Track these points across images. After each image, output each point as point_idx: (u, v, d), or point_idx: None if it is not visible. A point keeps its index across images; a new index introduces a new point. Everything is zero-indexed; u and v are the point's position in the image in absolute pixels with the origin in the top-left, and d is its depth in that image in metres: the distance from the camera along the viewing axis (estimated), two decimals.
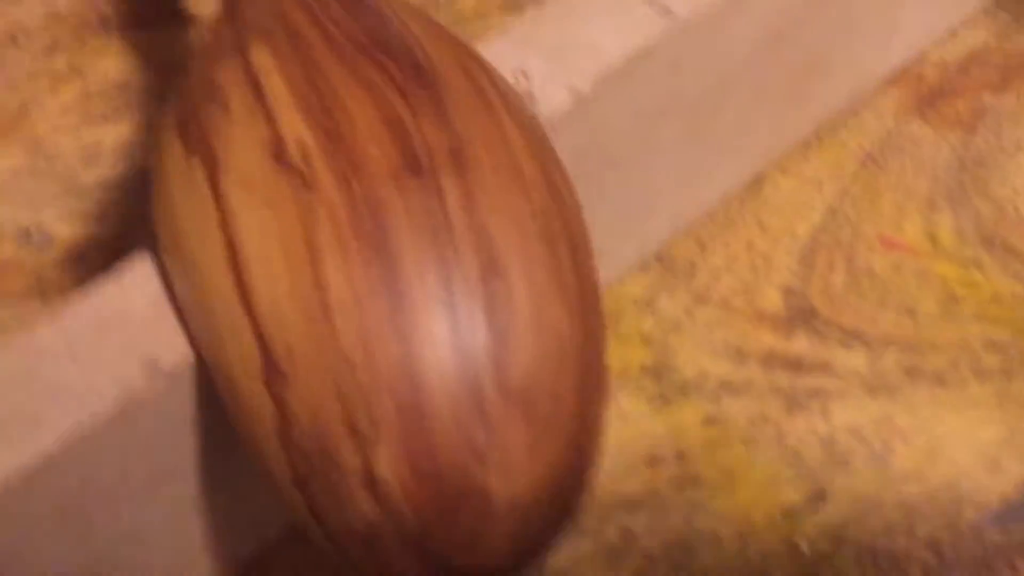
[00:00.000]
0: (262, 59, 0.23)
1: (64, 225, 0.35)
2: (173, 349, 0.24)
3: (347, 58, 0.23)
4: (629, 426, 0.32)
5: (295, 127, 0.22)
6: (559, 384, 0.22)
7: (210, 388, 0.24)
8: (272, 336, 0.22)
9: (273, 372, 0.22)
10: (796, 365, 0.32)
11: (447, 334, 0.22)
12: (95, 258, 0.34)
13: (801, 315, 0.33)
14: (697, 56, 0.29)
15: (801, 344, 0.33)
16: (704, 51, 0.29)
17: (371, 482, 0.21)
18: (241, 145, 0.23)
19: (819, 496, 0.30)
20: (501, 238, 0.22)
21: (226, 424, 0.26)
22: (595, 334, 0.23)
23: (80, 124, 0.36)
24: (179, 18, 0.38)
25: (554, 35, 0.28)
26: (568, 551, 0.30)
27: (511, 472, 0.22)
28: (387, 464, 0.21)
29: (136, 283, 0.25)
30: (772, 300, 0.34)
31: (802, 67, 0.33)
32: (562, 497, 0.23)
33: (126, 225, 0.34)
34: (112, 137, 0.36)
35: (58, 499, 0.24)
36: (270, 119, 0.23)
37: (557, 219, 0.23)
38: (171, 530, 0.27)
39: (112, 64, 0.37)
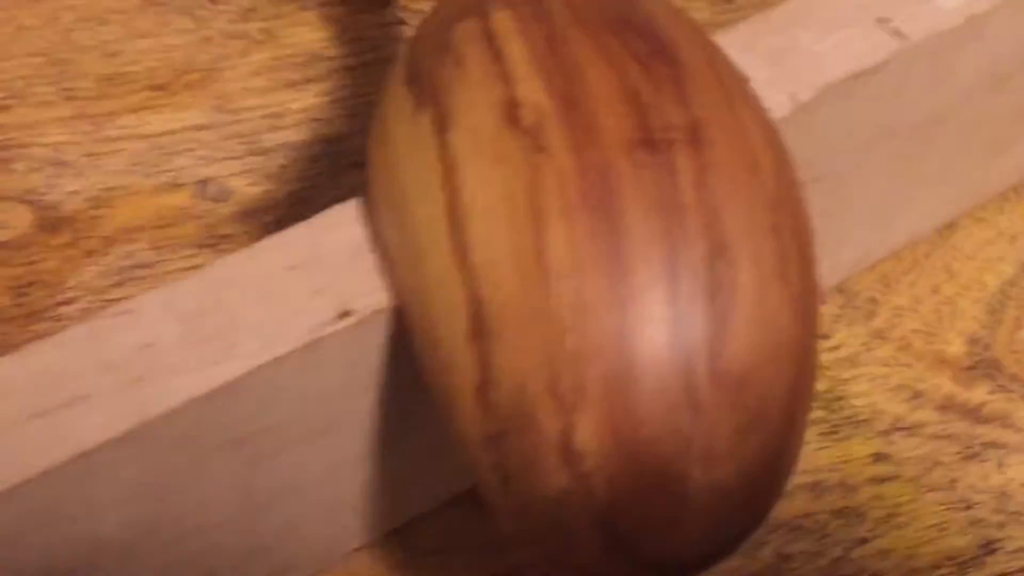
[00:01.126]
0: (503, 22, 0.23)
1: (241, 181, 0.34)
2: (366, 296, 0.23)
3: (591, 30, 0.23)
4: None
5: (532, 90, 0.22)
6: (772, 378, 0.21)
7: (400, 340, 0.24)
8: (484, 293, 0.21)
9: (480, 329, 0.21)
10: (975, 415, 0.31)
11: (666, 312, 0.21)
12: (268, 216, 0.34)
13: (984, 366, 0.32)
14: (919, 84, 0.28)
15: (981, 395, 0.32)
16: (927, 80, 0.28)
17: (567, 449, 0.21)
18: (473, 103, 0.22)
19: (988, 548, 0.29)
20: (731, 223, 0.21)
21: (408, 380, 0.25)
22: (811, 333, 0.22)
23: (268, 88, 0.36)
24: None
25: (780, 42, 0.27)
26: (718, 568, 0.29)
27: (713, 460, 0.21)
28: (586, 433, 0.21)
29: (337, 229, 0.24)
30: (955, 347, 0.32)
31: (1018, 114, 0.32)
32: (759, 494, 0.22)
33: (303, 187, 0.34)
34: (298, 104, 0.36)
35: (232, 430, 0.23)
36: (507, 80, 0.22)
37: (788, 213, 0.22)
38: (329, 482, 0.26)
39: (305, 34, 0.37)
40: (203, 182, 0.34)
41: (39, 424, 0.22)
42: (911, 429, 0.31)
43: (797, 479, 0.31)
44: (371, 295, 0.23)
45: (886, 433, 0.31)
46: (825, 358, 0.32)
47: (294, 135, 0.35)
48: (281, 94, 0.36)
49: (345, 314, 0.23)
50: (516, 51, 0.22)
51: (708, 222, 0.21)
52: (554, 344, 0.21)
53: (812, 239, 0.23)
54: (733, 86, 0.23)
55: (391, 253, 0.23)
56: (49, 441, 0.22)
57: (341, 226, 0.24)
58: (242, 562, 0.27)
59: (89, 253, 0.33)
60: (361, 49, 0.37)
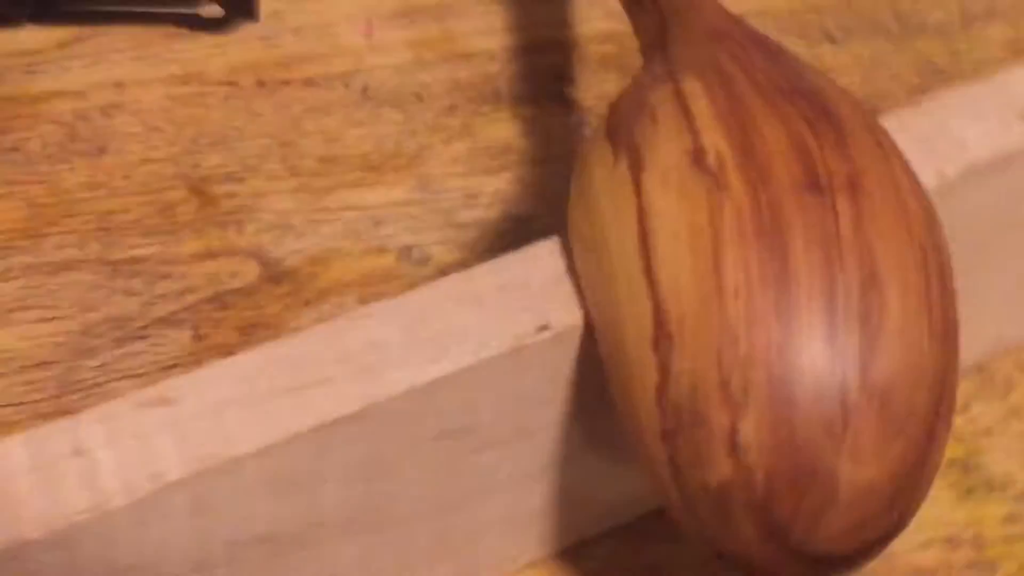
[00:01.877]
0: (691, 86, 0.27)
1: (441, 249, 0.39)
2: (564, 314, 0.27)
3: (765, 94, 0.27)
4: (931, 507, 0.33)
5: (715, 140, 0.26)
6: (914, 395, 0.25)
7: (590, 357, 0.28)
8: (668, 306, 0.25)
9: (663, 336, 0.25)
10: None
11: (824, 328, 0.24)
12: None
13: None
14: None
15: None
16: None
17: (733, 442, 0.24)
18: (665, 150, 0.26)
19: None
20: (883, 258, 0.25)
21: (595, 398, 0.29)
22: (949, 363, 0.26)
23: (466, 173, 0.41)
24: (561, 99, 0.43)
25: (929, 126, 0.31)
26: None
27: (861, 460, 0.24)
28: (751, 428, 0.24)
29: (540, 258, 0.28)
30: None
31: None
32: (900, 498, 0.25)
33: (493, 256, 0.38)
34: (491, 187, 0.41)
35: (442, 423, 0.27)
36: (694, 131, 0.26)
37: (932, 255, 0.26)
38: (514, 490, 0.30)
39: (500, 129, 0.42)
40: (407, 248, 0.39)
41: (287, 399, 0.26)
42: None
43: (933, 533, 0.33)
44: (567, 313, 0.27)
45: (1019, 497, 0.34)
46: (963, 429, 0.35)
47: (486, 213, 0.40)
48: (477, 178, 0.41)
49: (544, 328, 0.27)
50: (702, 109, 0.27)
51: (862, 256, 0.25)
52: (727, 350, 0.25)
53: (953, 281, 0.26)
54: (887, 145, 0.27)
55: (587, 275, 0.27)
56: (295, 413, 0.26)
57: (544, 257, 0.28)
58: (425, 561, 0.31)
59: (306, 302, 0.38)
60: (547, 143, 0.42)
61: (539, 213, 0.40)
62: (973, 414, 0.36)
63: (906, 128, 0.30)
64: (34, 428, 0.26)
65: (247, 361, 0.27)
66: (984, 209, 0.31)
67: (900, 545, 0.33)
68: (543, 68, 0.44)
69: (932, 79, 0.43)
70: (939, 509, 0.34)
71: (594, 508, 0.33)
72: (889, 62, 0.44)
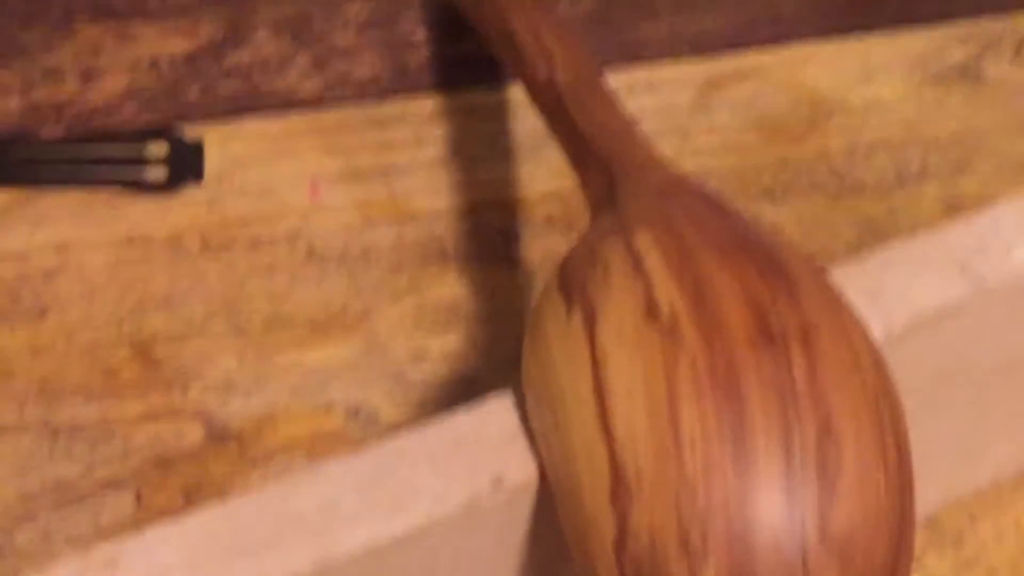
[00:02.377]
0: (643, 240, 0.28)
1: (389, 408, 0.39)
2: (519, 470, 0.27)
3: (716, 247, 0.27)
4: None
5: (668, 293, 0.26)
6: (873, 542, 0.25)
7: (545, 512, 0.27)
8: (625, 459, 0.25)
9: (621, 490, 0.25)
10: None
11: (781, 480, 0.24)
12: None
13: None
14: (997, 328, 0.32)
15: None
16: (1004, 324, 0.32)
17: None
18: (618, 303, 0.27)
19: None
20: (837, 407, 0.25)
21: (551, 553, 0.28)
22: (907, 507, 0.26)
23: (413, 331, 0.41)
24: (507, 258, 0.43)
25: (872, 283, 0.31)
26: None
27: None
28: None
29: (493, 414, 0.28)
30: None
31: None
32: None
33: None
34: (439, 346, 0.41)
35: None
36: (647, 285, 0.27)
37: (885, 405, 0.26)
38: None
39: (446, 288, 0.42)
40: (355, 408, 0.39)
41: (238, 563, 0.25)
42: None
43: None
44: (522, 468, 0.27)
45: None
46: None
47: (434, 372, 0.40)
48: (424, 337, 0.41)
49: (499, 483, 0.27)
50: (654, 262, 0.27)
51: (818, 406, 0.25)
52: (685, 504, 0.24)
53: (906, 430, 0.26)
54: (837, 298, 0.27)
55: (542, 429, 0.27)
56: None
57: (497, 412, 0.28)
58: None
59: (253, 463, 0.37)
60: (494, 302, 0.42)
61: (486, 372, 0.40)
62: (926, 565, 0.35)
63: (851, 282, 0.31)
64: None
65: (195, 523, 0.26)
66: (929, 361, 0.32)
67: None
68: (489, 227, 0.44)
69: (870, 236, 0.44)
70: None
71: None
72: (827, 220, 0.45)
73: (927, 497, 0.36)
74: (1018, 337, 0.33)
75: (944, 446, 0.35)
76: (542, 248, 0.44)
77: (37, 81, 0.48)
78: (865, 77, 0.50)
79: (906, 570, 0.26)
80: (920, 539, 0.36)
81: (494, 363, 0.40)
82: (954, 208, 0.45)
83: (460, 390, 0.39)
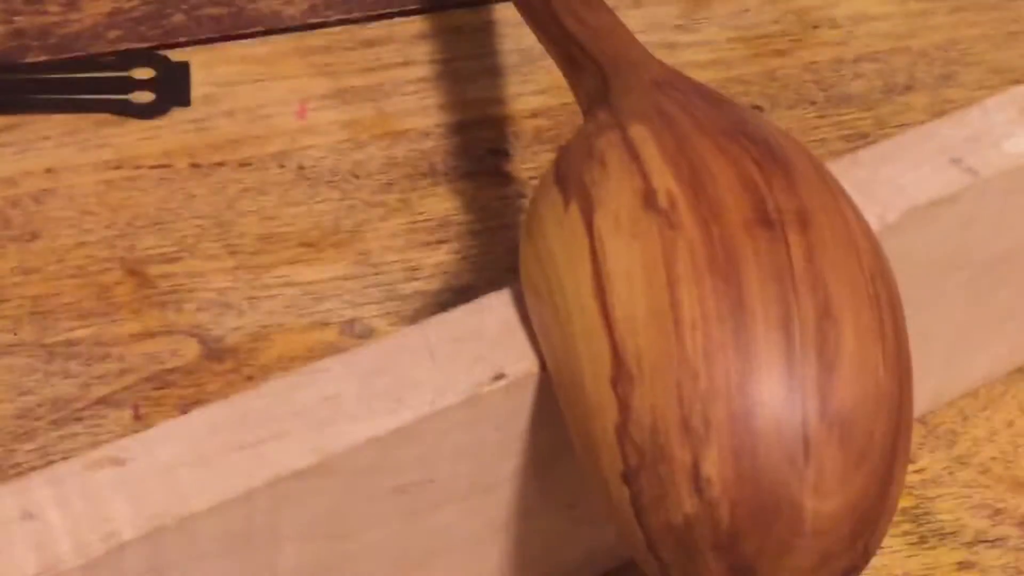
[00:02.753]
0: (638, 131, 0.28)
1: (383, 322, 0.39)
2: (519, 363, 0.27)
3: (712, 136, 0.27)
4: (886, 558, 0.33)
5: (665, 181, 0.26)
6: (873, 422, 0.25)
7: (545, 405, 0.28)
8: (625, 344, 0.25)
9: (622, 374, 0.25)
10: None
11: (782, 360, 0.25)
12: None
13: None
14: (989, 219, 0.32)
15: None
16: (996, 216, 0.33)
17: (696, 477, 0.24)
18: (615, 193, 0.27)
19: None
20: (835, 289, 0.25)
21: (551, 450, 0.29)
22: (905, 389, 0.26)
23: (405, 247, 0.41)
24: (496, 173, 0.43)
25: (867, 175, 0.31)
26: None
27: (824, 491, 0.24)
28: (713, 463, 0.24)
29: (492, 309, 0.28)
30: None
31: None
32: (866, 529, 0.25)
33: None
34: (431, 260, 0.41)
35: (399, 477, 0.27)
36: (643, 174, 0.27)
37: (883, 287, 0.26)
38: (475, 548, 0.30)
39: (437, 204, 0.42)
40: (349, 322, 0.39)
41: (241, 455, 0.26)
42: (993, 542, 0.34)
43: None
44: (522, 361, 0.27)
45: (970, 544, 0.34)
46: (911, 479, 0.35)
47: (427, 285, 0.40)
48: (416, 252, 0.41)
49: (499, 376, 0.27)
50: (650, 152, 0.27)
51: (815, 288, 0.25)
52: (686, 386, 0.24)
53: (903, 313, 0.26)
54: (833, 184, 0.27)
55: (542, 321, 0.27)
56: (249, 469, 0.25)
57: (496, 307, 0.28)
58: None
59: (249, 378, 0.37)
60: (485, 216, 0.42)
61: (479, 283, 0.40)
62: (920, 465, 0.36)
63: (845, 176, 0.31)
64: None
65: (198, 419, 0.26)
66: (923, 253, 0.32)
67: None
68: (477, 143, 0.44)
69: (858, 145, 0.44)
70: (894, 559, 0.34)
71: (554, 567, 0.32)
72: (816, 131, 0.45)
73: (920, 397, 0.36)
74: (1010, 229, 0.33)
75: (937, 344, 0.35)
76: (531, 163, 0.44)
77: (20, 7, 0.48)
78: None
79: (905, 450, 0.26)
80: (913, 438, 0.36)
81: (486, 276, 0.40)
82: (941, 114, 0.45)
83: (453, 302, 0.39)
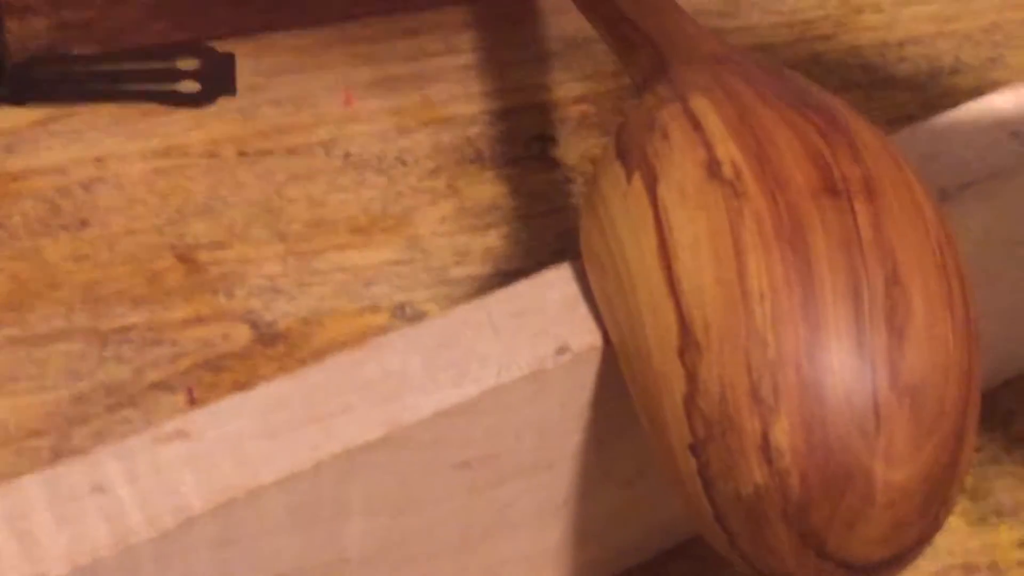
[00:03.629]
0: (700, 103, 0.28)
1: (433, 306, 0.39)
2: (583, 336, 0.27)
3: (774, 106, 0.27)
4: (945, 536, 0.33)
5: (729, 151, 0.26)
6: (943, 391, 0.25)
7: (610, 380, 0.28)
8: (692, 314, 0.25)
9: (689, 345, 0.25)
10: None
11: (851, 328, 0.24)
12: None
13: None
14: None
15: None
16: None
17: (766, 447, 0.24)
18: (679, 164, 0.27)
19: None
20: (903, 257, 0.25)
21: (616, 426, 0.29)
22: (974, 362, 0.26)
23: (454, 232, 0.41)
24: (543, 158, 0.43)
25: (927, 148, 0.31)
26: None
27: (895, 460, 0.24)
28: (783, 432, 0.24)
29: (554, 283, 0.28)
30: None
31: None
32: (935, 499, 0.25)
33: None
34: (480, 245, 0.41)
35: (464, 451, 0.27)
36: (707, 144, 0.27)
37: (950, 256, 0.26)
38: (537, 524, 0.30)
39: (485, 189, 0.42)
40: (400, 306, 0.39)
41: (308, 428, 0.26)
42: None
43: (949, 560, 0.33)
44: (586, 335, 0.27)
45: None
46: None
47: (478, 270, 0.40)
48: (465, 237, 0.41)
49: (563, 350, 0.27)
50: (713, 123, 0.27)
51: (884, 256, 0.25)
52: (754, 355, 0.24)
53: (970, 282, 0.26)
54: (898, 154, 0.27)
55: (605, 294, 0.27)
56: (316, 442, 0.25)
57: (557, 282, 0.28)
58: None
59: (302, 363, 0.37)
60: (532, 201, 0.42)
61: (528, 267, 0.39)
62: (978, 445, 0.36)
63: (905, 146, 0.31)
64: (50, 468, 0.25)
65: (265, 393, 0.26)
66: (982, 229, 0.32)
67: (917, 574, 0.32)
68: (522, 130, 0.44)
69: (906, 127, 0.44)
70: (953, 537, 0.34)
71: (613, 546, 0.32)
72: (863, 113, 0.45)
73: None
74: None
75: (995, 322, 0.35)
76: (577, 149, 0.44)
77: (64, 1, 0.48)
78: None
79: (975, 419, 0.26)
80: None
81: (535, 260, 0.40)
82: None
83: (504, 285, 0.39)
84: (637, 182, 0.27)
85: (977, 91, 0.46)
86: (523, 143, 0.44)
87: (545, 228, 0.41)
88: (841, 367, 0.24)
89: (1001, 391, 0.37)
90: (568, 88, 0.46)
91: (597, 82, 0.46)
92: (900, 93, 0.45)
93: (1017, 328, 0.36)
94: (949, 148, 0.31)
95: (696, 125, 0.27)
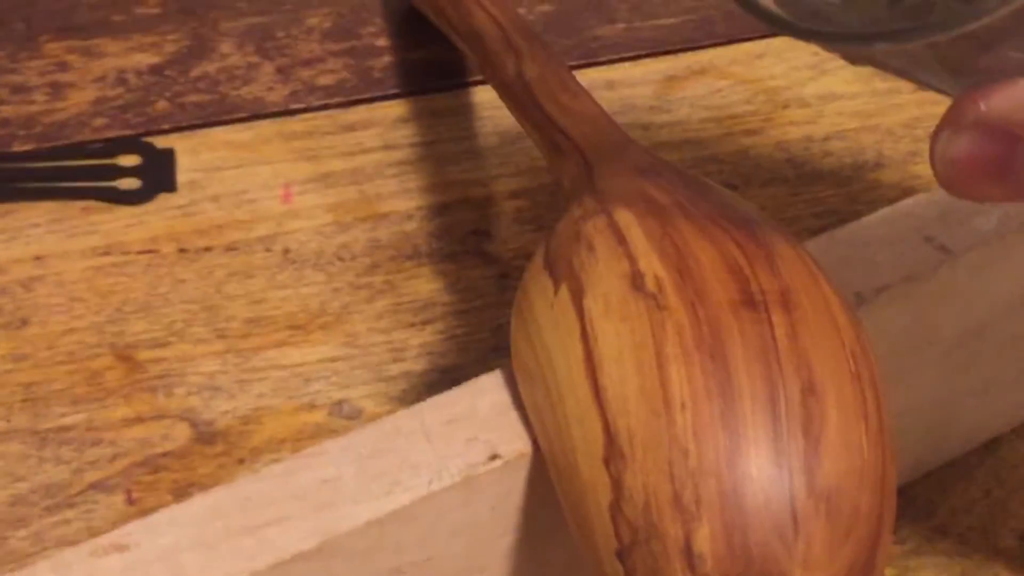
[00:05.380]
0: (624, 217, 0.29)
1: (371, 402, 0.40)
2: (513, 443, 0.28)
3: (695, 220, 0.28)
4: None
5: (651, 264, 0.27)
6: (858, 496, 0.26)
7: (538, 484, 0.28)
8: (617, 424, 0.26)
9: (614, 454, 0.26)
10: None
11: (769, 436, 0.25)
12: None
13: None
14: (961, 296, 0.34)
15: None
16: (967, 292, 0.34)
17: (689, 553, 0.25)
18: (604, 276, 0.28)
19: None
20: (819, 367, 0.26)
21: (545, 527, 0.29)
22: (888, 466, 0.27)
23: (391, 328, 0.42)
24: (479, 253, 0.44)
25: (846, 253, 0.32)
26: None
27: (813, 565, 0.25)
28: (705, 539, 0.25)
29: (485, 390, 0.29)
30: (1007, 542, 0.36)
31: None
32: None
33: None
34: (417, 340, 0.41)
35: (398, 557, 0.28)
36: (630, 258, 0.28)
37: (863, 364, 0.27)
38: None
39: (421, 285, 0.43)
40: (338, 403, 0.39)
41: (244, 539, 0.26)
42: None
43: None
44: (516, 442, 0.28)
45: None
46: (892, 550, 0.36)
47: (414, 366, 0.41)
48: (402, 332, 0.42)
49: (494, 457, 0.28)
50: (636, 236, 0.28)
51: (800, 366, 0.26)
52: (677, 464, 0.25)
53: (883, 388, 0.27)
54: (812, 264, 0.28)
55: (534, 403, 0.28)
56: (254, 552, 0.26)
57: (489, 389, 0.29)
58: None
59: (240, 461, 0.38)
60: (469, 296, 0.43)
61: (465, 363, 0.41)
62: (901, 536, 0.37)
63: (823, 255, 0.32)
64: None
65: (200, 503, 0.27)
66: (899, 330, 0.33)
67: None
68: (459, 225, 0.45)
69: (832, 223, 0.45)
70: None
71: None
72: (789, 208, 0.46)
73: (900, 469, 0.37)
74: (980, 304, 0.34)
75: (915, 417, 0.36)
76: (512, 243, 0.45)
77: (5, 98, 0.49)
78: (818, 71, 0.51)
79: (890, 521, 0.27)
80: None
81: (472, 355, 0.41)
82: (909, 191, 0.47)
83: (440, 382, 0.40)
84: (564, 293, 0.28)
85: (899, 185, 0.47)
86: (459, 238, 0.45)
87: (481, 323, 0.42)
88: (760, 475, 0.25)
89: (922, 483, 0.38)
90: (504, 183, 0.47)
91: (532, 177, 0.47)
92: (825, 188, 0.47)
93: (936, 422, 0.37)
94: (865, 253, 0.32)
95: (620, 238, 0.28)
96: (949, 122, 0.24)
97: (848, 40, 0.23)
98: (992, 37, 0.21)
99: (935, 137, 0.24)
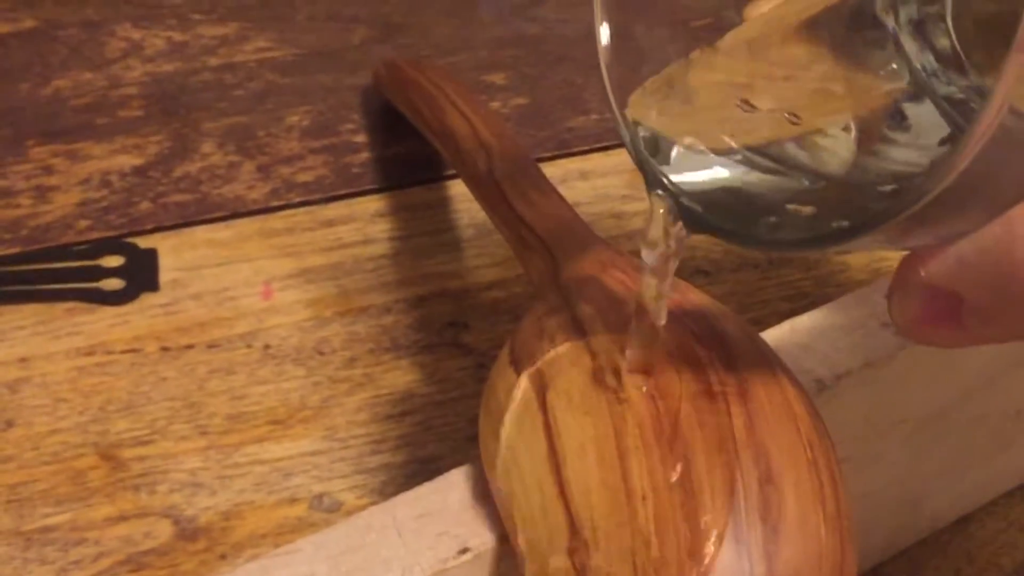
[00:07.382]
0: (585, 311, 0.29)
1: (350, 495, 0.40)
2: (482, 537, 0.29)
3: None
4: None
5: (612, 358, 0.28)
6: None
7: (509, 571, 0.29)
8: (581, 516, 0.27)
9: (579, 545, 0.26)
10: None
11: (728, 527, 0.26)
12: None
13: None
14: (922, 379, 0.34)
15: None
16: (928, 376, 0.34)
17: None
18: (566, 371, 0.28)
19: None
20: (776, 456, 0.27)
21: None
22: (847, 546, 0.27)
23: (370, 421, 0.42)
24: (456, 344, 0.45)
25: (805, 340, 0.33)
26: None
27: None
28: None
29: (455, 486, 0.30)
30: None
31: (1013, 414, 0.38)
32: None
33: None
34: (395, 432, 0.42)
35: None
36: (592, 353, 0.28)
37: (820, 451, 0.28)
38: None
39: (400, 377, 0.44)
40: (318, 497, 0.40)
41: None
42: None
43: None
44: (486, 535, 0.29)
45: None
46: None
47: (393, 457, 0.41)
48: (381, 425, 0.42)
49: (464, 550, 0.28)
50: (597, 331, 0.29)
51: (758, 456, 0.27)
52: (639, 554, 0.26)
53: (841, 473, 0.28)
54: (770, 355, 0.29)
55: (502, 495, 0.29)
56: None
57: (458, 484, 0.30)
58: None
59: (222, 557, 0.38)
60: (446, 387, 0.44)
61: (443, 452, 0.42)
62: None
63: (784, 342, 0.33)
64: None
65: None
66: (861, 413, 0.34)
67: None
68: (435, 317, 0.46)
69: (800, 304, 0.46)
70: None
71: None
72: (760, 293, 0.47)
73: (871, 549, 0.38)
74: (943, 388, 0.35)
75: (882, 497, 0.37)
76: (489, 334, 0.45)
77: None
78: None
79: None
80: None
81: (449, 445, 0.42)
82: (878, 272, 0.48)
83: (419, 472, 0.41)
84: (528, 389, 0.29)
85: (867, 267, 0.48)
86: (436, 330, 0.46)
87: (457, 414, 0.43)
88: (720, 564, 0.26)
89: (896, 561, 0.39)
90: (480, 274, 0.48)
91: (507, 268, 0.48)
92: (795, 271, 0.48)
93: (905, 501, 0.38)
94: (825, 340, 0.33)
95: (582, 333, 0.29)
96: (898, 285, 0.26)
97: (795, 246, 0.25)
98: (921, 218, 0.22)
99: (889, 297, 0.26)
